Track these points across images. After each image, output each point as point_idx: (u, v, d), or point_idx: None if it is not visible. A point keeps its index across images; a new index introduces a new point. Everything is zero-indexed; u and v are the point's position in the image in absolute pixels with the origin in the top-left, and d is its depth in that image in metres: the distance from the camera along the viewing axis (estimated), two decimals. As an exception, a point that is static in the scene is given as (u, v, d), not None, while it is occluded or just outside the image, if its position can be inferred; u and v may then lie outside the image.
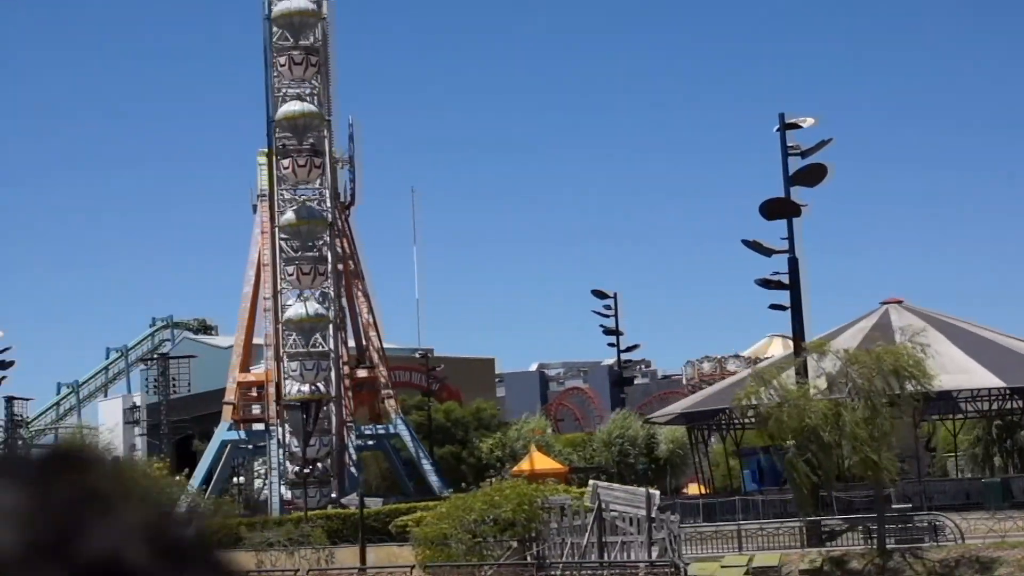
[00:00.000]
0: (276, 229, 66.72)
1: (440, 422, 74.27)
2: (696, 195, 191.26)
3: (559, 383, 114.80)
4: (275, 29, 67.11)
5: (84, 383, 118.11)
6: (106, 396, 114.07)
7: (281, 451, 65.63)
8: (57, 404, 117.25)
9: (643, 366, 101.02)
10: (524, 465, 62.28)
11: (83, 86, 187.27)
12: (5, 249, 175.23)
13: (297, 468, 63.75)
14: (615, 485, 47.66)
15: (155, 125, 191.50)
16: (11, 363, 69.22)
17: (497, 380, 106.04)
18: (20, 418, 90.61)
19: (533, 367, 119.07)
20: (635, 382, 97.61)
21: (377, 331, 71.58)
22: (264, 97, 67.30)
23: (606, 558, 41.95)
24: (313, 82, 67.00)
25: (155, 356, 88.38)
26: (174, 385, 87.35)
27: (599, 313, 77.67)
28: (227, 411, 70.52)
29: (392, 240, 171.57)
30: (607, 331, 76.95)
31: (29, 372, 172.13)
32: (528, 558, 43.42)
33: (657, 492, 45.16)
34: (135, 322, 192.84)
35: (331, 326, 66.57)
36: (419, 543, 45.39)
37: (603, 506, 42.07)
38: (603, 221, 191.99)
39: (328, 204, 66.96)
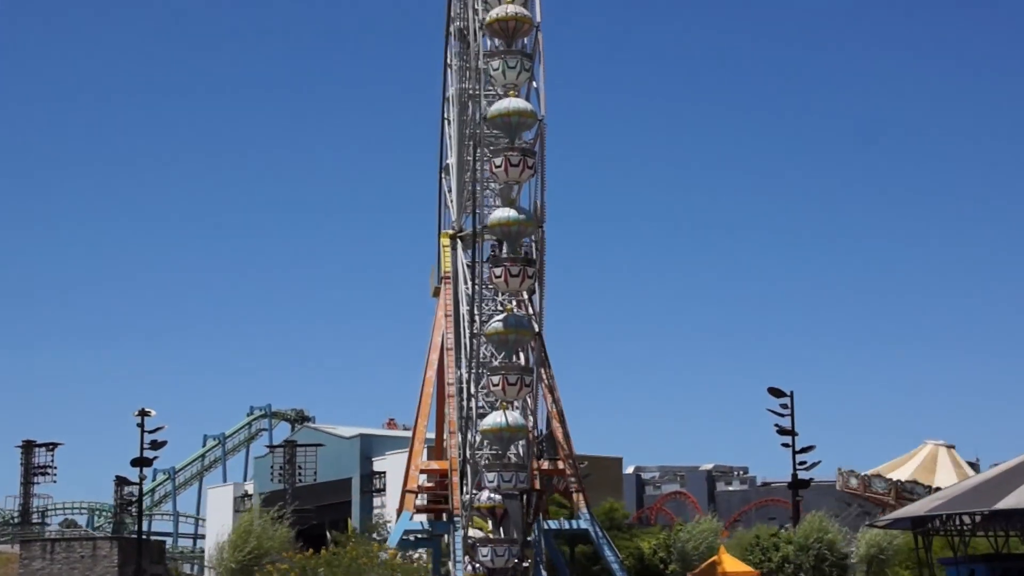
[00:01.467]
0: (474, 335, 65.51)
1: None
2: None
3: (655, 487, 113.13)
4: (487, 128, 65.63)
5: (180, 469, 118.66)
6: (201, 483, 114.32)
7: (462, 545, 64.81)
8: (152, 491, 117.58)
9: (740, 471, 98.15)
10: (706, 567, 61.25)
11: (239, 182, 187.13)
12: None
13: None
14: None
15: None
16: (163, 443, 68.21)
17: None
18: (131, 497, 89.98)
19: (629, 469, 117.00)
20: (730, 487, 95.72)
21: (562, 422, 70.40)
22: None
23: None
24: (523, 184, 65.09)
25: (283, 444, 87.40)
26: (300, 473, 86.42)
27: (775, 412, 75.28)
28: (409, 500, 69.61)
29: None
30: (781, 431, 74.62)
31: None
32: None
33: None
34: (230, 410, 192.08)
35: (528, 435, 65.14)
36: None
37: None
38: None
39: (534, 311, 65.08)
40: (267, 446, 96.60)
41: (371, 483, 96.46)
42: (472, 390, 66.56)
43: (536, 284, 64.24)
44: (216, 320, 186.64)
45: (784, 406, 75.72)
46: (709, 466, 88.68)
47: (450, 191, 78.57)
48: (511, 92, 65.99)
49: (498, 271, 64.12)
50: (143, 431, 67.61)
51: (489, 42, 67.40)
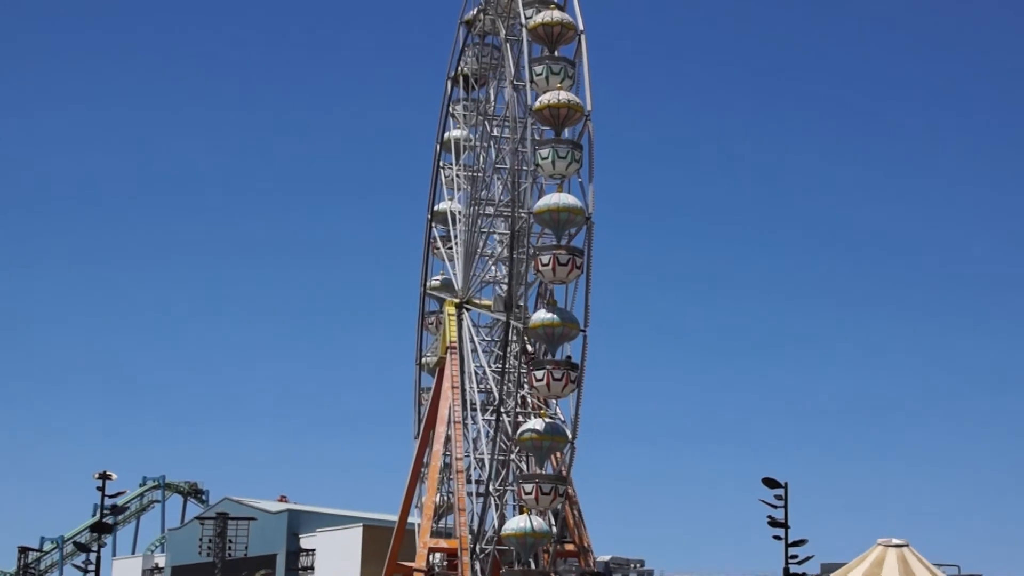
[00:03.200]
0: (504, 440, 62.95)
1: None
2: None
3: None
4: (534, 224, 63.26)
5: (69, 538, 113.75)
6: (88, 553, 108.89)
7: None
8: (38, 560, 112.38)
9: (638, 564, 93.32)
10: None
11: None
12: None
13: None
14: None
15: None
16: (124, 507, 64.33)
17: None
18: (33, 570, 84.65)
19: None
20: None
21: (582, 525, 68.81)
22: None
23: None
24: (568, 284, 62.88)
25: (214, 516, 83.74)
26: (231, 547, 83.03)
27: (768, 503, 74.16)
28: (417, 580, 67.54)
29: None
30: (773, 523, 73.73)
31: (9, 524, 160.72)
32: None
33: None
34: (122, 480, 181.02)
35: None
36: None
37: None
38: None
39: (572, 417, 63.04)
40: (198, 517, 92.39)
41: (297, 560, 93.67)
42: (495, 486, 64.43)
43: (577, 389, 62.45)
44: (109, 385, 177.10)
45: (778, 497, 74.89)
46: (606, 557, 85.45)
47: (451, 260, 75.84)
48: (558, 187, 63.73)
49: (539, 374, 61.85)
50: (103, 495, 63.62)
51: (519, 109, 64.92)
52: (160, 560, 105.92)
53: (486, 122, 73.67)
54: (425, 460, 72.56)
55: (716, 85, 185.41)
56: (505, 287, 71.81)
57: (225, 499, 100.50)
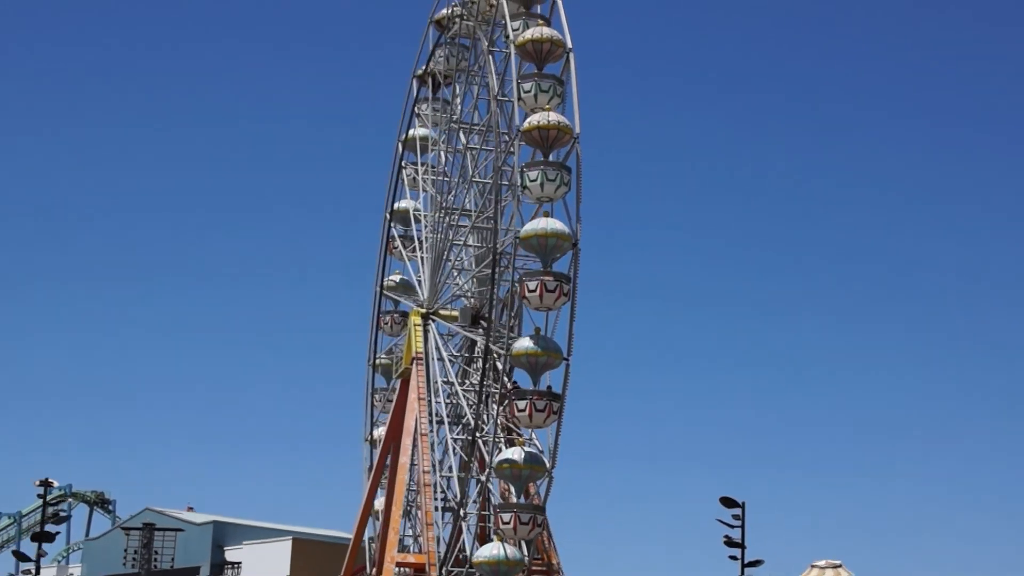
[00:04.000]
0: (491, 468, 62.01)
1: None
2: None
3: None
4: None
5: None
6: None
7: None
8: None
9: None
10: None
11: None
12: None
13: None
14: None
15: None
16: (67, 517, 62.25)
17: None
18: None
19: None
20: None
21: (551, 545, 68.30)
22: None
23: None
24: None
25: (140, 526, 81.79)
26: (157, 558, 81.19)
27: (725, 523, 74.58)
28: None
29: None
30: (730, 542, 74.21)
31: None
32: None
33: None
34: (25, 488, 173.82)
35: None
36: None
37: None
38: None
39: (551, 447, 62.32)
40: (122, 527, 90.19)
41: (222, 573, 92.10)
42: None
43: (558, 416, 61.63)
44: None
45: (736, 517, 75.08)
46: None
47: (410, 262, 74.43)
48: (544, 212, 62.51)
49: (522, 405, 60.93)
50: (45, 503, 61.72)
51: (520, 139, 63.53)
52: (75, 570, 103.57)
53: (461, 132, 72.06)
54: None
55: (701, 103, 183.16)
56: (472, 300, 70.85)
57: (146, 509, 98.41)
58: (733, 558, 74.82)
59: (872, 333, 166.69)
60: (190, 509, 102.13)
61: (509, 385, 62.80)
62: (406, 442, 68.30)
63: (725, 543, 73.60)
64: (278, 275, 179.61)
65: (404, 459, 68.30)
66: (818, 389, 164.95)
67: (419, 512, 68.24)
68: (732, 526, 73.50)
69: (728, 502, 73.47)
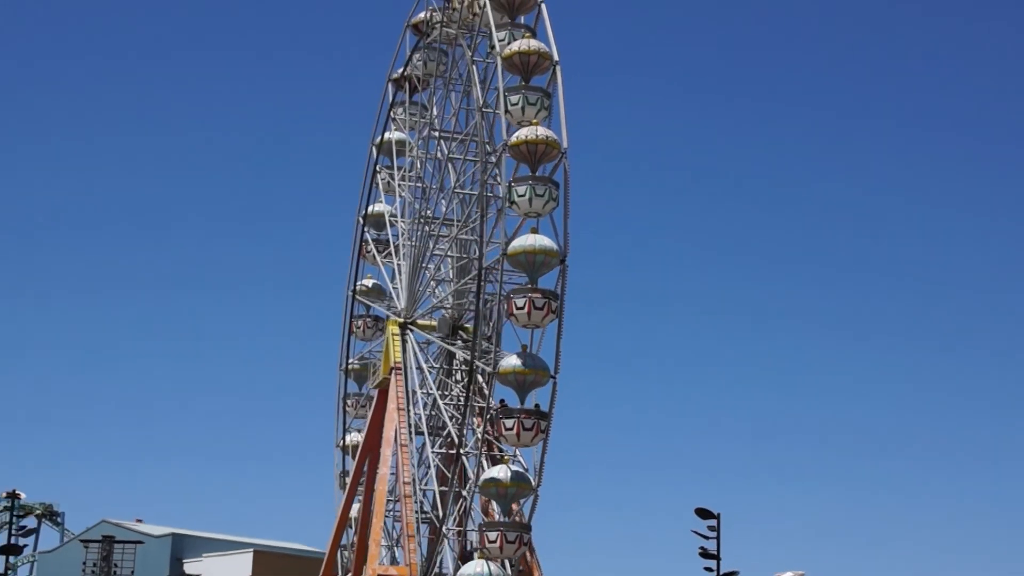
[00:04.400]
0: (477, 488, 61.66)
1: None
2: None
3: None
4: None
5: None
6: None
7: None
8: None
9: None
10: None
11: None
12: None
13: None
14: None
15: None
16: (33, 530, 61.25)
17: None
18: None
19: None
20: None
21: (533, 559, 67.86)
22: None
23: None
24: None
25: (99, 539, 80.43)
26: (116, 572, 80.00)
27: (700, 535, 74.57)
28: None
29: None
30: (705, 554, 74.17)
31: None
32: None
33: None
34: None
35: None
36: None
37: None
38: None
39: (536, 464, 61.92)
40: (82, 540, 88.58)
41: None
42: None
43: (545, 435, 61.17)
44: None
45: (711, 528, 75.00)
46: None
47: (394, 277, 73.53)
48: (532, 229, 61.93)
49: (509, 423, 60.48)
50: (12, 514, 60.75)
51: (505, 156, 62.99)
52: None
53: (442, 142, 71.21)
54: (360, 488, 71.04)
55: (688, 113, 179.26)
56: (450, 311, 70.28)
57: (103, 521, 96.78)
58: (708, 570, 75.29)
59: (848, 345, 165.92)
60: (139, 521, 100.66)
61: (496, 403, 62.15)
62: (386, 452, 67.67)
63: (700, 555, 73.99)
64: (238, 279, 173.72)
65: (384, 470, 67.65)
66: (816, 399, 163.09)
67: (398, 524, 67.71)
68: (707, 537, 74.07)
69: (704, 513, 73.68)
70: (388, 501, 68.58)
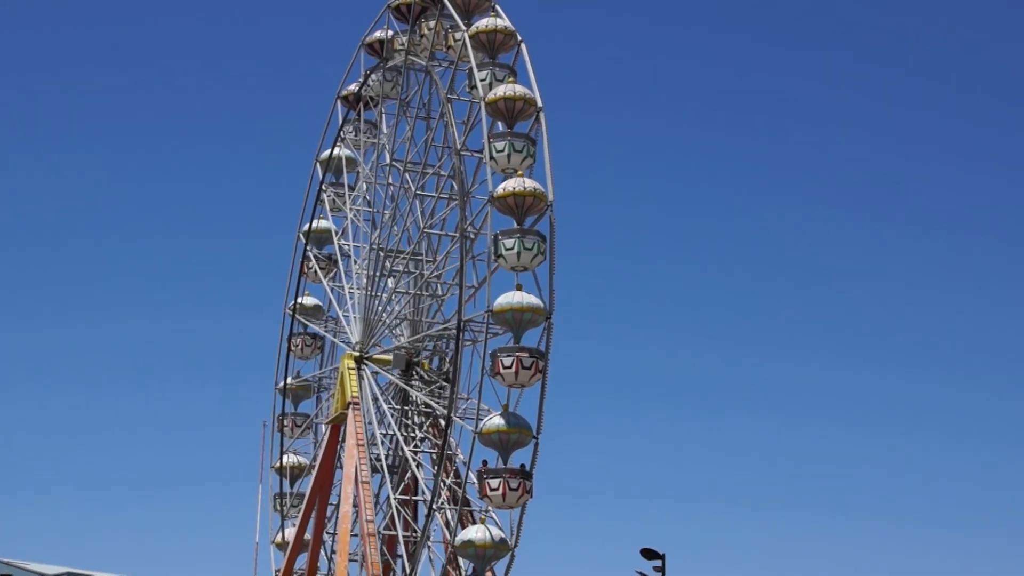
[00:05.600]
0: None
1: None
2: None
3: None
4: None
5: None
6: None
7: None
8: None
9: None
10: None
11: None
12: None
13: None
14: None
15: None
16: None
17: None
18: None
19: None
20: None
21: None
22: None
23: None
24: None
25: None
26: None
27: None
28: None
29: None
30: (652, 593, 74.42)
31: None
32: None
33: None
34: None
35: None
36: None
37: None
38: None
39: (513, 524, 61.13)
40: None
41: None
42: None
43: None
44: None
45: (657, 569, 75.53)
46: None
47: (343, 307, 71.35)
48: (517, 285, 60.50)
49: (495, 483, 59.50)
50: None
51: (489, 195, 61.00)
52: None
53: (407, 175, 69.02)
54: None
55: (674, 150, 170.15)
56: (405, 350, 68.84)
57: None
58: (661, 608, 75.91)
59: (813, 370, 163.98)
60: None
61: (480, 464, 61.00)
62: (347, 489, 66.02)
63: (648, 595, 74.53)
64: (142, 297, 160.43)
65: (346, 507, 66.01)
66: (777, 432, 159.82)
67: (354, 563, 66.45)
68: (653, 580, 74.82)
69: (649, 553, 74.30)
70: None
